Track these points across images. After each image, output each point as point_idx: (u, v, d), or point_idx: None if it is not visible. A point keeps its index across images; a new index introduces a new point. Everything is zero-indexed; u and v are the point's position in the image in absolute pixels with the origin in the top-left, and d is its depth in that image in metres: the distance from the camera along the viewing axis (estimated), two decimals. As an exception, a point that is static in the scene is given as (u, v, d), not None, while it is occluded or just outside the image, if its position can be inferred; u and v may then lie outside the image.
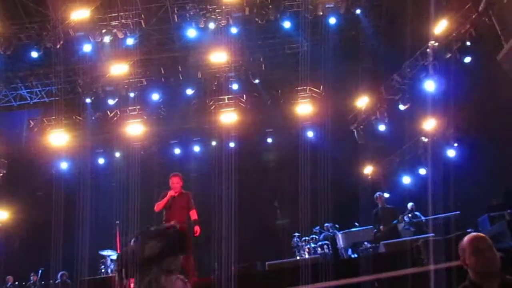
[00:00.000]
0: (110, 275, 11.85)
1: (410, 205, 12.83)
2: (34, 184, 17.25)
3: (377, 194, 11.80)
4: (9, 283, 14.60)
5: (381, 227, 11.19)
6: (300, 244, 13.70)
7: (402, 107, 15.47)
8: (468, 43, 13.51)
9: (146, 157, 17.75)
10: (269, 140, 17.87)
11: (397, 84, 15.47)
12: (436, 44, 14.26)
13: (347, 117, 17.24)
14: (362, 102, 16.92)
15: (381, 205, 11.57)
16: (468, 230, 11.17)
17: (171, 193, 8.87)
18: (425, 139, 15.27)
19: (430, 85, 14.24)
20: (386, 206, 11.71)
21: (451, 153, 14.59)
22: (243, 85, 17.41)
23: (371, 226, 12.62)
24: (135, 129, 17.38)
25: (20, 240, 16.01)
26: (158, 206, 8.92)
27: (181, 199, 8.89)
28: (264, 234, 14.59)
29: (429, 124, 15.02)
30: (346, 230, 12.90)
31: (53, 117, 17.20)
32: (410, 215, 12.06)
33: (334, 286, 6.77)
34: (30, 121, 17.23)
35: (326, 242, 13.24)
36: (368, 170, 17.36)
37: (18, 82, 16.52)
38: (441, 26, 13.91)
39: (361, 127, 17.02)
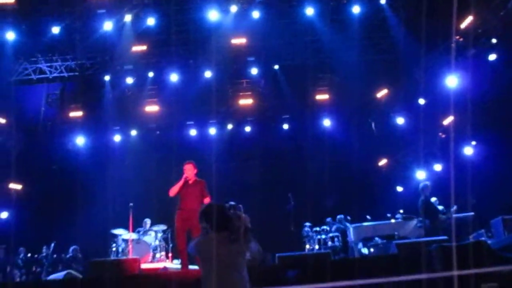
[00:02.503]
0: (120, 257, 11.97)
1: (433, 200, 12.55)
2: (50, 157, 17.38)
3: (426, 183, 11.22)
4: (21, 255, 14.79)
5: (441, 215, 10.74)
6: (310, 234, 13.71)
7: (421, 101, 15.31)
8: (494, 41, 13.28)
9: (161, 137, 17.82)
10: (285, 126, 17.77)
11: (418, 78, 15.30)
12: (461, 39, 14.06)
13: (365, 108, 17.09)
14: (382, 93, 16.76)
15: (426, 196, 11.05)
16: (480, 232, 11.13)
17: (185, 177, 8.92)
18: (442, 135, 15.13)
19: (451, 81, 14.07)
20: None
21: (468, 150, 14.45)
22: (262, 70, 17.30)
23: (383, 222, 12.59)
24: (152, 108, 17.39)
25: (33, 213, 16.16)
26: (172, 190, 9.00)
27: (195, 187, 8.93)
28: (275, 221, 14.58)
29: (448, 120, 14.85)
30: (358, 224, 12.83)
31: (72, 92, 17.26)
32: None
33: (343, 286, 6.75)
34: (49, 95, 17.28)
35: (337, 234, 13.25)
36: (382, 162, 17.23)
37: (39, 56, 16.53)
38: (467, 21, 13.68)
39: (379, 119, 16.88)
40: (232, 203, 5.43)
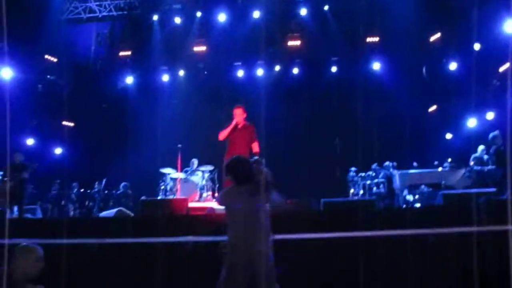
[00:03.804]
0: (169, 196, 12.33)
1: (481, 148, 12.23)
2: (100, 96, 17.74)
3: (495, 133, 10.83)
4: (75, 190, 15.42)
5: None
6: (355, 179, 13.73)
7: (477, 46, 14.72)
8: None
9: (209, 77, 17.83)
10: (334, 69, 17.45)
11: (474, 21, 14.64)
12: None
13: (417, 51, 16.56)
14: (435, 37, 16.18)
15: (498, 146, 10.69)
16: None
17: (235, 121, 8.97)
18: (497, 82, 14.60)
19: (510, 26, 13.41)
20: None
21: (523, 99, 13.94)
22: (312, 11, 16.93)
23: (430, 170, 12.46)
24: (199, 48, 17.37)
25: (85, 149, 16.69)
26: (222, 134, 9.07)
27: (244, 132, 8.98)
28: (320, 165, 14.63)
29: (504, 67, 14.28)
30: (404, 171, 12.72)
31: (121, 32, 17.39)
32: (473, 162, 11.70)
33: (386, 235, 6.79)
34: (99, 35, 17.47)
35: (382, 180, 13.20)
36: (432, 108, 16.83)
37: (88, -6, 16.69)
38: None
39: (431, 63, 16.38)
40: (256, 157, 5.65)
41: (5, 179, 10.71)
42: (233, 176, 5.13)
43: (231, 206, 5.03)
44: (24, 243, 4.52)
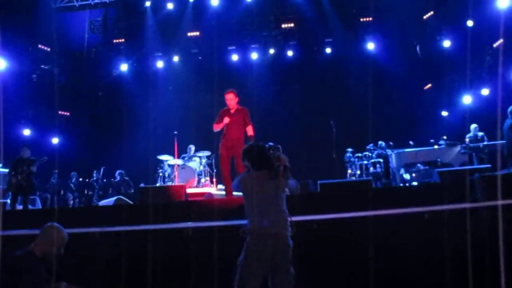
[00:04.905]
0: (167, 183, 12.40)
1: (473, 127, 12.27)
2: (95, 84, 17.72)
3: None
4: (74, 179, 15.47)
5: None
6: (352, 160, 13.79)
7: (470, 23, 14.72)
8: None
9: (203, 62, 17.79)
10: (328, 50, 17.40)
11: (467, -1, 14.65)
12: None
13: (410, 30, 16.55)
14: (428, 15, 16.15)
15: None
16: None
17: (225, 120, 8.87)
18: (490, 59, 14.62)
19: (502, 2, 13.40)
20: None
21: (517, 74, 13.98)
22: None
23: (426, 148, 12.53)
24: (193, 33, 17.32)
25: (82, 138, 16.73)
26: (215, 127, 9.03)
27: (237, 116, 8.92)
28: (316, 147, 14.67)
29: (497, 43, 14.29)
30: (400, 150, 12.80)
31: (114, 19, 17.33)
32: (468, 139, 11.79)
33: (384, 214, 6.86)
34: (92, 22, 17.38)
35: (379, 160, 13.26)
36: (427, 86, 16.86)
37: (80, -18, 16.58)
38: None
39: (425, 41, 16.37)
40: (271, 143, 5.66)
41: (12, 173, 10.74)
42: (251, 162, 5.11)
43: (249, 192, 5.00)
44: (50, 223, 4.97)
